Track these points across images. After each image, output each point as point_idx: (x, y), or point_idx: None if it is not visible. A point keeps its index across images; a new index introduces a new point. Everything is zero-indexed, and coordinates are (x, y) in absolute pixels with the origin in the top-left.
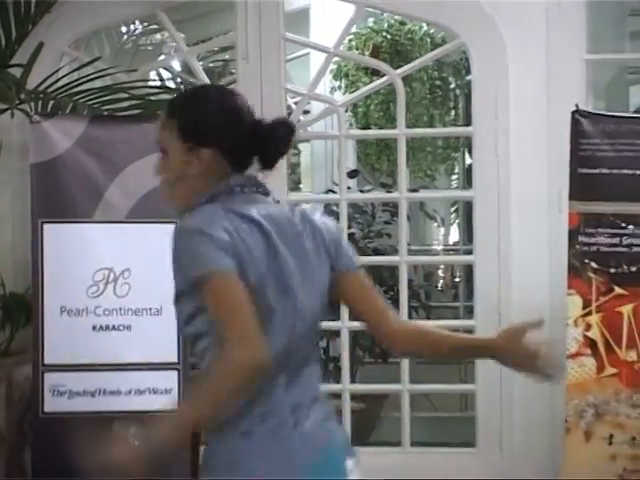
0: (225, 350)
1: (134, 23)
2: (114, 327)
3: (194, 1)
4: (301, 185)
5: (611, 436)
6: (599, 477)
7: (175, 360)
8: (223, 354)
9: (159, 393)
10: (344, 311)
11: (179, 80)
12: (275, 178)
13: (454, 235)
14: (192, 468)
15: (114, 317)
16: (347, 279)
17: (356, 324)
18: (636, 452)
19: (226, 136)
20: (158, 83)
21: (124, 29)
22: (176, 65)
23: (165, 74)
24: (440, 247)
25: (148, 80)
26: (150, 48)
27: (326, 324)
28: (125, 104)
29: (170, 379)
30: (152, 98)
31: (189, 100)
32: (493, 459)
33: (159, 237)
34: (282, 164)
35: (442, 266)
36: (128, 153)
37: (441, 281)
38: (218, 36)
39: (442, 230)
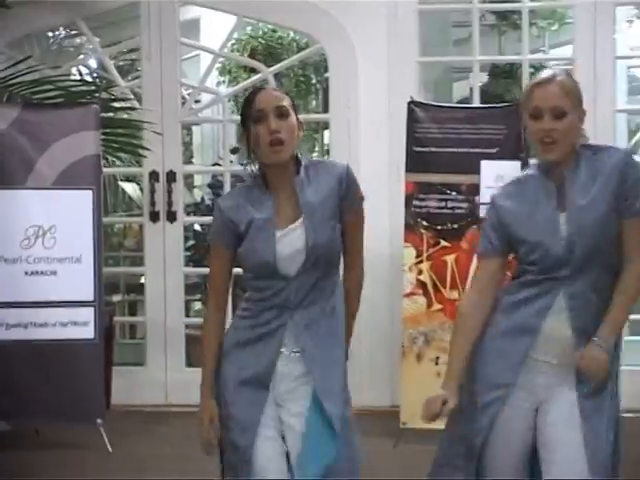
0: None
1: (58, 29)
2: (42, 272)
3: (107, 11)
4: (193, 159)
5: (437, 358)
6: (428, 391)
7: (92, 299)
8: None
9: (78, 325)
10: None
11: (95, 75)
12: (173, 154)
13: None
14: None
15: (43, 264)
16: None
17: (238, 269)
18: None
19: None
20: (78, 77)
21: (50, 34)
22: (92, 63)
23: (84, 70)
24: None
25: (70, 75)
26: (71, 49)
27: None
28: (51, 94)
29: (87, 314)
30: (73, 89)
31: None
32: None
33: (78, 200)
34: (178, 142)
35: None
36: (54, 133)
37: None
38: (126, 40)
39: None
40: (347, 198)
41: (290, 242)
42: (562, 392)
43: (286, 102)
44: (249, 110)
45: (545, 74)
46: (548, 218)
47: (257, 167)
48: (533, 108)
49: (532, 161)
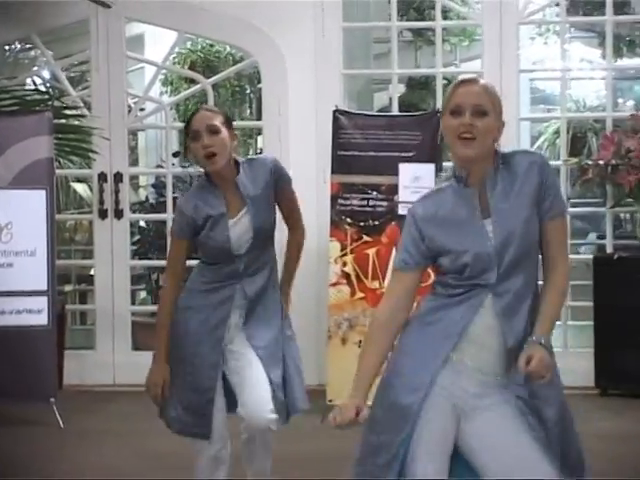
0: None
1: (14, 43)
2: (0, 264)
3: (59, 27)
4: (139, 162)
5: (360, 341)
6: (352, 371)
7: (45, 289)
8: None
9: (33, 313)
10: None
11: (48, 85)
12: (120, 157)
13: None
14: None
15: (0, 257)
16: None
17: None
18: None
19: None
20: (32, 87)
21: (7, 47)
22: (46, 74)
23: (38, 80)
24: None
25: (25, 85)
26: (26, 61)
27: (155, 262)
28: (7, 102)
29: (41, 302)
30: (28, 98)
31: None
32: None
33: (33, 199)
34: (124, 147)
35: None
36: (10, 138)
37: None
38: (77, 53)
39: None
40: (279, 182)
41: (240, 228)
42: (494, 398)
43: (217, 120)
44: (187, 130)
45: (468, 76)
46: (475, 225)
47: (204, 171)
48: (454, 105)
49: (446, 164)
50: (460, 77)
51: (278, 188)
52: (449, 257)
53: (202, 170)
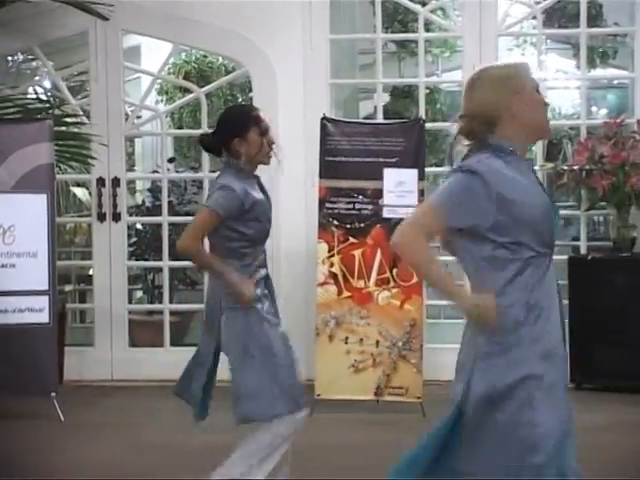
0: None
1: (17, 54)
2: (3, 265)
3: (59, 39)
4: (135, 167)
5: (346, 338)
6: (339, 366)
7: (47, 288)
8: None
9: (34, 311)
10: (166, 253)
11: (49, 94)
12: (117, 162)
13: None
14: None
15: (3, 258)
16: None
17: (174, 263)
18: (363, 349)
19: None
20: (34, 96)
21: (9, 58)
22: (47, 84)
23: (39, 90)
24: None
25: (27, 94)
26: (28, 72)
27: (151, 263)
28: (10, 110)
29: (43, 302)
30: (30, 107)
31: None
32: None
33: (34, 203)
34: (122, 153)
35: None
36: (13, 145)
37: None
38: (77, 64)
39: None
40: None
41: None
42: None
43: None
44: (253, 122)
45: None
46: (543, 196)
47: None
48: (537, 84)
49: (428, 169)
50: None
51: None
52: (529, 222)
53: (236, 163)
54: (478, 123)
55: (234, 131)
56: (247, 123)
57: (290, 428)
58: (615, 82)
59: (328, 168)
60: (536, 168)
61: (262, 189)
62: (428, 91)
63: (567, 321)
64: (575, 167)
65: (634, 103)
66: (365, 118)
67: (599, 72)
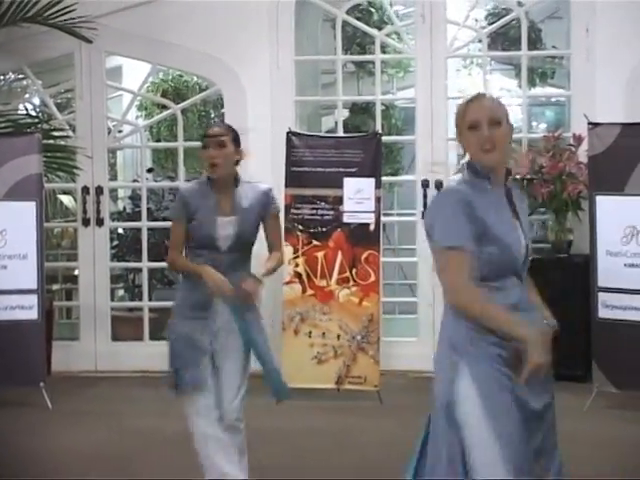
0: None
1: (8, 73)
2: None
3: (47, 60)
4: (117, 177)
5: (310, 332)
6: (304, 357)
7: (35, 287)
8: None
9: (25, 309)
10: (145, 255)
11: (38, 110)
12: (100, 172)
13: None
14: None
15: None
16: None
17: (153, 264)
18: (325, 342)
19: None
20: (24, 112)
21: (1, 77)
22: (36, 100)
23: (29, 106)
24: None
25: (17, 110)
26: (19, 89)
27: (132, 264)
28: (2, 125)
29: (32, 300)
30: (20, 122)
31: None
32: None
33: (24, 209)
34: (104, 164)
35: None
36: (4, 156)
37: None
38: (63, 82)
39: None
40: (267, 207)
41: (225, 229)
42: None
43: (226, 137)
44: (202, 138)
45: (475, 93)
46: (511, 223)
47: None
48: (472, 121)
49: (385, 178)
50: (467, 96)
51: (265, 212)
52: (497, 245)
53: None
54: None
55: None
56: (203, 140)
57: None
58: (553, 100)
59: (293, 177)
60: None
61: (237, 204)
62: (384, 107)
63: None
64: (517, 177)
65: (570, 119)
66: (327, 132)
67: (538, 90)
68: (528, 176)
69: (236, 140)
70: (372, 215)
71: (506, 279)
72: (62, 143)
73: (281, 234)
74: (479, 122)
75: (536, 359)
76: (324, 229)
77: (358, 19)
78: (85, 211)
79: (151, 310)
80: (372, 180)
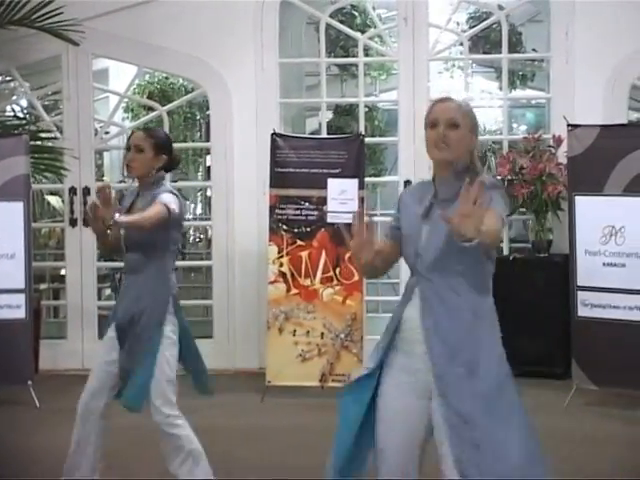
0: None
1: None
2: None
3: (35, 62)
4: (104, 177)
5: (294, 331)
6: (288, 355)
7: (23, 287)
8: None
9: (12, 308)
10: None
11: (25, 112)
12: (87, 173)
13: (199, 209)
14: None
15: None
16: None
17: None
18: (309, 340)
19: None
20: (12, 114)
21: None
22: (24, 102)
23: (16, 108)
24: (190, 217)
25: (5, 112)
26: (6, 91)
27: (118, 263)
28: None
29: (20, 299)
30: (7, 123)
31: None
32: (224, 345)
33: (12, 210)
34: (91, 164)
35: (192, 228)
36: None
37: (191, 237)
38: (51, 84)
39: (192, 206)
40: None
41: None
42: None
43: (146, 142)
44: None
45: (443, 95)
46: (420, 226)
47: None
48: (432, 119)
49: (368, 179)
50: (437, 96)
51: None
52: (402, 239)
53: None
54: None
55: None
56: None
57: None
58: (533, 102)
59: (278, 178)
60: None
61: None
62: (367, 109)
63: None
64: (498, 177)
65: (550, 120)
66: (311, 133)
67: (519, 93)
68: (509, 177)
69: (157, 146)
70: None
71: (413, 275)
72: (49, 144)
73: (153, 210)
74: (438, 121)
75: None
76: (308, 229)
77: (341, 22)
78: (72, 211)
79: None
80: (356, 181)
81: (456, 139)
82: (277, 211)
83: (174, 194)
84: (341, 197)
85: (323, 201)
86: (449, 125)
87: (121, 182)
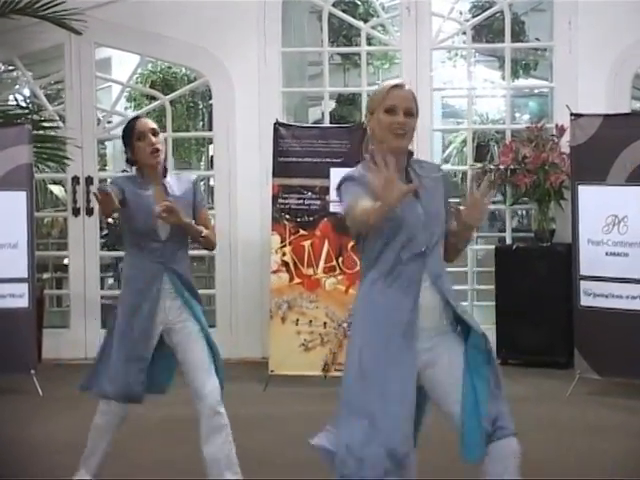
0: None
1: None
2: None
3: (38, 51)
4: (107, 167)
5: (297, 320)
6: (291, 345)
7: (26, 276)
8: None
9: (16, 297)
10: None
11: (28, 101)
12: (90, 163)
13: None
14: None
15: None
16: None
17: None
18: (312, 329)
19: None
20: (14, 103)
21: None
22: (26, 92)
23: (19, 97)
24: None
25: (7, 101)
26: (9, 81)
27: (121, 252)
28: None
29: (23, 288)
30: (10, 113)
31: None
32: (227, 335)
33: (15, 199)
34: (94, 154)
35: None
36: None
37: None
38: (53, 73)
39: None
40: (197, 196)
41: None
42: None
43: (155, 125)
44: (131, 133)
45: (397, 81)
46: (411, 204)
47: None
48: (390, 105)
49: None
50: (389, 81)
51: (195, 202)
52: (393, 221)
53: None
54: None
55: (124, 143)
56: (128, 133)
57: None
58: (536, 91)
59: (280, 168)
60: (466, 167)
61: (170, 194)
62: None
63: (494, 303)
64: (501, 167)
65: (553, 109)
66: (314, 123)
67: (522, 82)
68: (511, 166)
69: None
70: None
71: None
72: (52, 134)
73: (211, 224)
74: (396, 108)
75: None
76: (311, 218)
77: (344, 11)
78: (75, 201)
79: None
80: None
81: (412, 128)
82: (280, 200)
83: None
84: None
85: (326, 190)
86: (407, 114)
87: (124, 171)
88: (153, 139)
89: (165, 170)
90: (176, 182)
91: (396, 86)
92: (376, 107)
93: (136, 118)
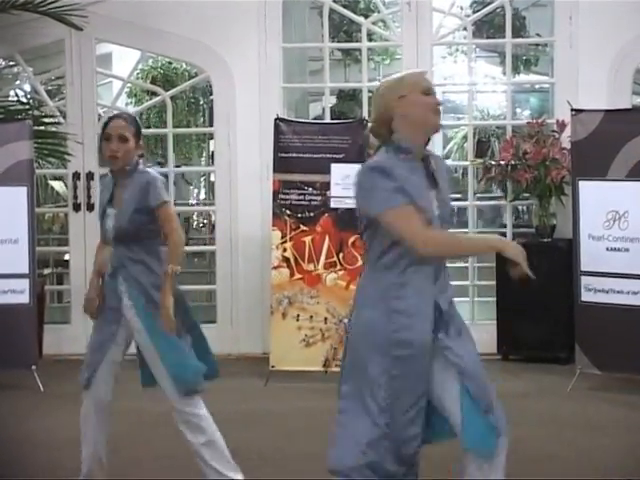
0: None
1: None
2: None
3: (38, 47)
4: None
5: (298, 315)
6: (292, 341)
7: (27, 272)
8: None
9: (17, 293)
10: None
11: (29, 97)
12: (91, 158)
13: (202, 194)
14: None
15: None
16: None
17: None
18: (313, 325)
19: None
20: (15, 99)
21: None
22: (27, 87)
23: (20, 93)
24: (194, 202)
25: (8, 97)
26: (10, 76)
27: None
28: None
29: (24, 284)
30: (11, 108)
31: None
32: (228, 330)
33: (16, 195)
34: (95, 150)
35: (195, 213)
36: None
37: (195, 222)
38: (54, 69)
39: (196, 191)
40: (146, 197)
41: (110, 220)
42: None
43: (128, 131)
44: (103, 130)
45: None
46: (429, 193)
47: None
48: (427, 87)
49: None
50: (411, 70)
51: (149, 203)
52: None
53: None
54: (378, 125)
55: (100, 140)
56: (102, 130)
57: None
58: (537, 86)
59: (281, 163)
60: (466, 163)
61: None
62: (371, 94)
63: (495, 299)
64: (502, 162)
65: (553, 105)
66: (314, 118)
67: (523, 78)
68: (512, 162)
69: (138, 134)
70: None
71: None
72: (53, 129)
73: (171, 222)
74: (433, 90)
75: (515, 251)
76: (312, 214)
77: (345, 7)
78: (76, 196)
79: None
80: (359, 166)
81: None
82: (280, 196)
83: (156, 177)
84: (344, 182)
85: (326, 186)
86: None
87: None
88: (114, 145)
89: (132, 171)
90: (133, 183)
91: (425, 71)
92: (410, 90)
93: (114, 117)
